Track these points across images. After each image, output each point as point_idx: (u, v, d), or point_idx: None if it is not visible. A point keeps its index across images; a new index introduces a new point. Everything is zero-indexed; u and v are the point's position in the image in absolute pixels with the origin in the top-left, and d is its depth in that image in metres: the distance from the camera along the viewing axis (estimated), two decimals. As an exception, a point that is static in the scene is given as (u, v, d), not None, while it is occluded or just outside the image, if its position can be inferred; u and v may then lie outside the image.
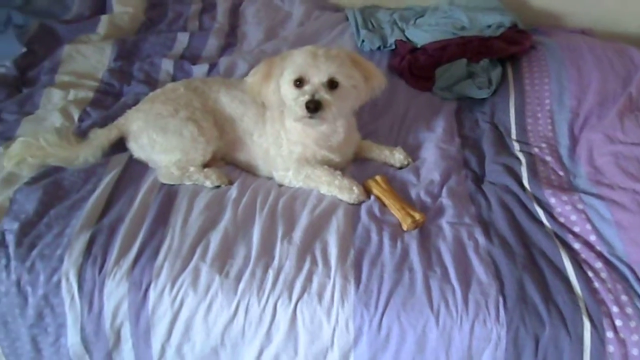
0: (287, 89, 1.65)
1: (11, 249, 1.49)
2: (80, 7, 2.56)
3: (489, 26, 2.38)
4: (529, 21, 2.58)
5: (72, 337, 1.49)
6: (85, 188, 1.66)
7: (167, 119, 1.74)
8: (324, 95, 1.60)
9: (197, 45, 2.40)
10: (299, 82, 1.63)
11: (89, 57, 2.25)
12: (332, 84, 1.63)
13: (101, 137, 1.77)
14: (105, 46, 2.30)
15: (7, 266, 1.47)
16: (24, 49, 2.26)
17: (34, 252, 1.49)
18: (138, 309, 1.45)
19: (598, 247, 1.56)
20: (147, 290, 1.44)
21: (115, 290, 1.45)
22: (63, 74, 2.17)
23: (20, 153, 1.70)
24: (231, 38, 2.50)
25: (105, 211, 1.60)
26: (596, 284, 1.47)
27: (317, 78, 1.62)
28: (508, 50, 2.31)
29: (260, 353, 1.45)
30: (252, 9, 2.64)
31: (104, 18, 2.46)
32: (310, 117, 1.61)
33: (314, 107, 1.58)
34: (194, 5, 2.65)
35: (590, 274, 1.49)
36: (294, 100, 1.62)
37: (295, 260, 1.48)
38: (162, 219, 1.58)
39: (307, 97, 1.59)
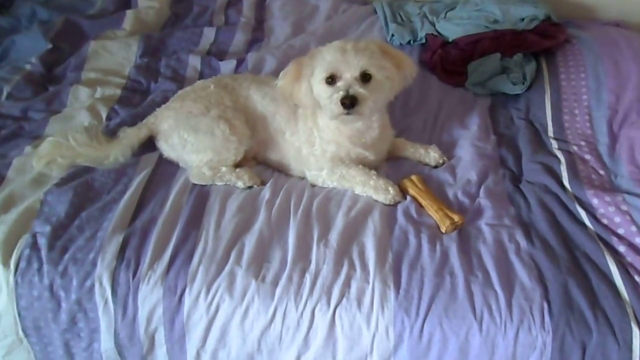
0: (320, 88, 1.61)
1: (43, 253, 1.47)
2: (104, 2, 2.53)
3: (522, 19, 2.31)
4: (561, 13, 2.50)
5: (106, 343, 1.47)
6: (116, 189, 1.64)
7: (198, 118, 1.71)
8: (359, 90, 1.56)
9: (224, 40, 2.37)
10: (331, 80, 1.59)
11: (115, 54, 2.22)
12: (365, 77, 1.59)
13: (131, 136, 1.75)
14: (131, 42, 2.27)
15: (39, 270, 1.46)
16: (50, 45, 2.24)
17: (67, 256, 1.47)
18: (173, 314, 1.42)
19: (644, 250, 1.51)
20: (182, 295, 1.42)
21: (149, 295, 1.42)
22: (89, 70, 2.15)
23: (50, 153, 1.69)
24: (258, 32, 2.46)
25: (137, 213, 1.57)
26: (644, 289, 1.42)
27: (349, 73, 1.58)
28: (542, 44, 2.24)
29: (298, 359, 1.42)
30: (279, 3, 2.60)
31: (129, 13, 2.43)
32: (347, 114, 1.57)
33: (349, 102, 1.54)
34: (220, -1, 2.61)
35: (637, 278, 1.44)
36: (328, 98, 1.58)
37: (332, 265, 1.44)
38: (195, 222, 1.55)
39: (341, 94, 1.55)
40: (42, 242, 1.49)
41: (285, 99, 1.72)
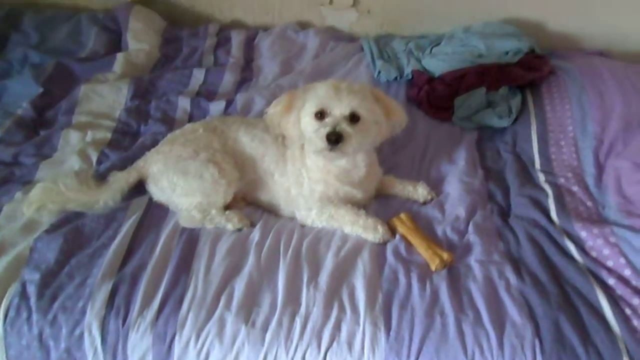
0: (308, 121, 1.64)
1: (32, 301, 1.46)
2: (95, 45, 2.56)
3: (507, 53, 2.35)
4: (545, 45, 2.56)
5: (96, 391, 1.46)
6: (106, 234, 1.64)
7: (187, 161, 1.72)
8: (345, 128, 1.58)
9: (213, 81, 2.39)
10: (320, 115, 1.62)
11: (106, 97, 2.24)
12: (353, 118, 1.61)
13: (121, 181, 1.75)
14: (121, 85, 2.29)
15: (28, 319, 1.45)
16: (41, 89, 2.26)
17: (56, 304, 1.46)
18: (163, 362, 1.41)
19: (634, 282, 1.51)
20: (171, 342, 1.41)
21: (139, 343, 1.41)
22: (80, 114, 2.17)
23: (40, 199, 1.69)
24: (247, 72, 2.49)
25: (126, 259, 1.57)
26: (635, 322, 1.42)
27: (338, 110, 1.60)
28: (527, 76, 2.28)
29: (290, 405, 1.41)
30: (267, 42, 2.64)
31: (119, 56, 2.46)
32: (331, 150, 1.59)
33: (335, 139, 1.57)
34: (209, 40, 2.65)
35: (628, 311, 1.44)
36: (314, 132, 1.60)
37: (322, 307, 1.44)
38: (184, 266, 1.55)
39: (328, 129, 1.57)
40: (31, 290, 1.48)
41: (273, 127, 1.73)
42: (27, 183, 1.84)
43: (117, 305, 1.45)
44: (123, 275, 1.52)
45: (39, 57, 2.48)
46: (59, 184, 1.70)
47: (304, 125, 1.65)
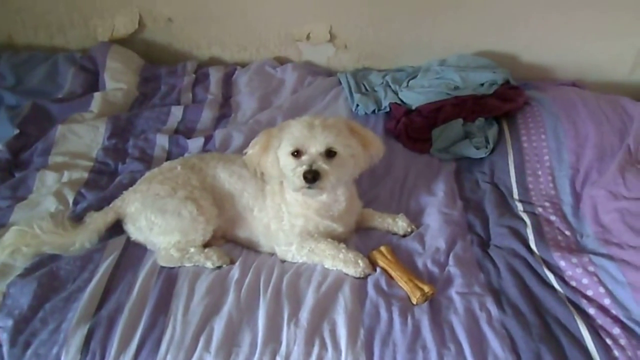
0: (285, 160, 1.64)
1: (5, 349, 1.43)
2: (72, 85, 2.55)
3: (482, 84, 2.40)
4: (519, 76, 2.61)
5: None
6: (82, 277, 1.61)
7: (165, 200, 1.71)
8: (322, 165, 1.59)
9: (191, 118, 2.40)
10: (297, 153, 1.62)
11: (83, 137, 2.23)
12: (329, 153, 1.62)
13: (97, 221, 1.73)
14: (99, 124, 2.28)
15: (1, 367, 1.41)
16: (17, 131, 2.24)
17: (29, 352, 1.42)
18: (140, 409, 1.38)
19: (613, 311, 1.52)
20: (149, 387, 1.37)
21: (115, 389, 1.38)
22: (57, 154, 2.15)
23: (14, 242, 1.66)
24: (225, 109, 2.50)
25: (103, 301, 1.54)
26: (616, 353, 1.42)
27: (314, 148, 1.61)
28: (502, 107, 2.32)
29: None
30: (245, 78, 2.65)
31: (97, 95, 2.46)
32: (309, 187, 1.59)
33: (311, 177, 1.57)
34: (187, 77, 2.66)
35: (608, 341, 1.44)
36: (292, 170, 1.61)
37: (303, 345, 1.42)
38: (162, 307, 1.52)
39: (304, 168, 1.58)
40: (3, 337, 1.45)
41: (253, 167, 1.74)
42: (2, 226, 1.81)
43: (93, 350, 1.42)
44: (99, 319, 1.49)
45: (15, 99, 2.47)
46: (34, 227, 1.67)
47: (282, 164, 1.65)
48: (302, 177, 1.58)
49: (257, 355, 1.40)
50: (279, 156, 1.66)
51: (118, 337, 1.44)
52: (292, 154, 1.63)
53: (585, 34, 2.63)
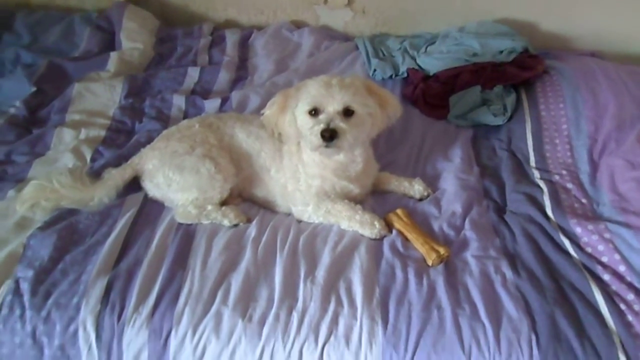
0: (303, 119, 1.64)
1: (26, 298, 1.45)
2: (88, 44, 2.55)
3: (501, 52, 2.37)
4: (538, 45, 2.57)
5: (90, 389, 1.44)
6: (100, 231, 1.62)
7: (183, 157, 1.71)
8: (339, 124, 1.58)
9: (208, 80, 2.39)
10: (314, 112, 1.62)
11: (100, 95, 2.23)
12: (347, 112, 1.61)
13: (115, 177, 1.74)
14: (115, 83, 2.28)
15: (21, 316, 1.43)
16: (34, 89, 2.24)
17: (50, 301, 1.44)
18: (159, 358, 1.40)
19: (628, 278, 1.52)
20: (167, 337, 1.40)
21: (134, 339, 1.40)
22: (74, 112, 2.15)
23: (34, 196, 1.67)
24: (242, 71, 2.49)
25: (122, 255, 1.56)
26: (630, 317, 1.42)
27: (331, 107, 1.60)
28: (521, 75, 2.29)
29: (287, 399, 1.40)
30: (262, 41, 2.64)
31: (113, 55, 2.45)
32: (327, 146, 1.59)
33: (329, 135, 1.57)
34: (203, 39, 2.64)
35: (622, 306, 1.45)
36: (309, 129, 1.61)
37: (319, 302, 1.44)
38: (180, 262, 1.54)
39: (322, 126, 1.58)
40: (24, 287, 1.47)
41: (271, 128, 1.73)
42: (20, 181, 1.82)
43: (112, 301, 1.44)
44: (118, 272, 1.51)
45: (31, 57, 2.46)
46: (53, 181, 1.69)
47: (300, 124, 1.65)
48: (319, 136, 1.57)
49: (274, 310, 1.42)
50: (297, 115, 1.65)
51: (137, 289, 1.46)
52: (310, 112, 1.62)
53: (605, 4, 2.58)
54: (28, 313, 1.43)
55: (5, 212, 1.70)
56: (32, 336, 1.42)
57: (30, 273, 1.50)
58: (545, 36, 2.68)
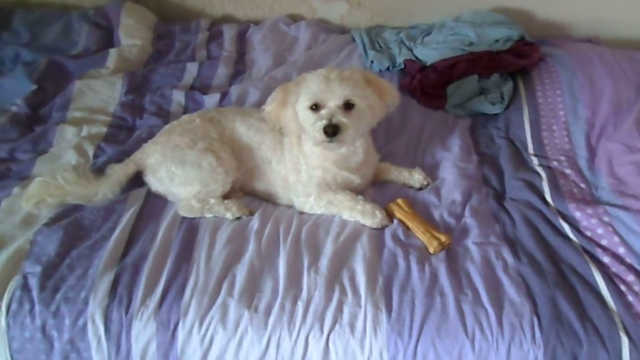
0: (304, 115, 1.65)
1: (35, 293, 1.46)
2: (87, 42, 2.55)
3: (497, 40, 2.38)
4: (535, 33, 2.58)
5: (100, 381, 1.46)
6: (105, 226, 1.64)
7: (185, 151, 1.73)
8: (341, 119, 1.60)
9: (206, 75, 2.40)
10: (315, 107, 1.63)
11: (100, 92, 2.24)
12: (347, 106, 1.63)
13: (119, 172, 1.76)
14: (115, 80, 2.29)
15: (31, 311, 1.45)
16: (34, 86, 2.25)
17: (58, 295, 1.46)
18: (167, 349, 1.42)
19: (628, 260, 1.54)
20: (175, 329, 1.42)
21: (143, 331, 1.42)
22: (75, 110, 2.17)
23: (39, 193, 1.69)
24: (240, 65, 2.50)
25: (127, 249, 1.58)
26: (630, 298, 1.45)
27: (332, 102, 1.62)
28: (518, 63, 2.30)
29: (294, 387, 1.42)
30: (259, 35, 2.65)
31: (112, 52, 2.46)
32: (330, 141, 1.61)
33: (332, 131, 1.58)
34: (201, 34, 2.65)
35: (622, 287, 1.47)
36: (311, 125, 1.62)
37: (324, 291, 1.46)
38: (185, 255, 1.56)
39: (324, 122, 1.59)
40: (33, 282, 1.48)
41: (272, 123, 1.75)
42: (24, 178, 1.84)
43: (120, 295, 1.46)
44: (124, 265, 1.52)
45: (31, 55, 2.47)
46: (57, 178, 1.70)
47: (301, 119, 1.66)
48: (322, 132, 1.59)
49: (279, 300, 1.44)
50: (297, 111, 1.67)
51: (144, 283, 1.48)
52: (311, 107, 1.64)
53: (600, -12, 2.59)
54: (37, 308, 1.44)
55: (11, 209, 1.71)
56: (41, 330, 1.43)
57: (37, 268, 1.51)
58: (541, 24, 2.69)
